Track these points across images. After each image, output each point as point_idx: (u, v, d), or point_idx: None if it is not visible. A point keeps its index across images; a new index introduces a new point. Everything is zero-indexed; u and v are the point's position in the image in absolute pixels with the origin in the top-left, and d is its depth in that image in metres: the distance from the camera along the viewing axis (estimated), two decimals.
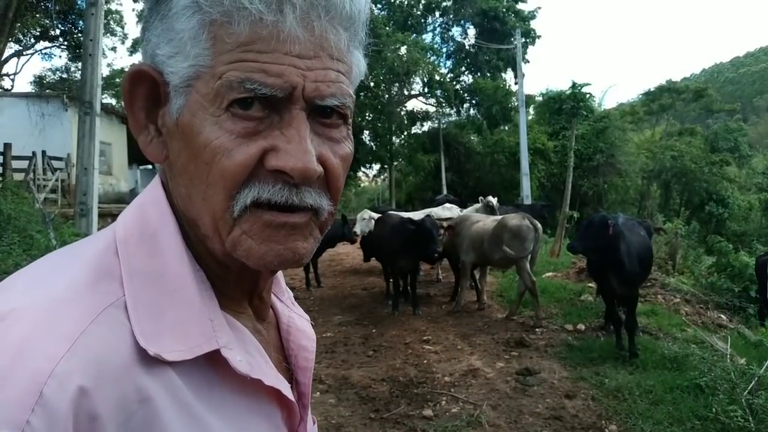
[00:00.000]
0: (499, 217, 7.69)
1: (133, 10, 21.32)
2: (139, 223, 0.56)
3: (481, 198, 9.98)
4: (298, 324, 0.72)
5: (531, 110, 28.14)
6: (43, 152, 13.72)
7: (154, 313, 0.51)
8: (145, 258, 0.54)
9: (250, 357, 0.56)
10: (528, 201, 16.83)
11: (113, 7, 24.47)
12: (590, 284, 7.92)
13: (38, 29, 21.82)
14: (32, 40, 23.45)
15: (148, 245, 0.55)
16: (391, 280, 7.98)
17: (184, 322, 0.52)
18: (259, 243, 0.53)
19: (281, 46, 0.51)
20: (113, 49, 28.00)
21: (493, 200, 9.55)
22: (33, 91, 24.27)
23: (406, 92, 24.80)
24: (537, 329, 6.52)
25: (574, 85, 16.50)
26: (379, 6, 24.56)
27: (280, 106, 0.52)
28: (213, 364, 0.53)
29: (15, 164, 12.86)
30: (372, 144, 25.39)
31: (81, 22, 19.36)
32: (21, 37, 22.09)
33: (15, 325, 0.46)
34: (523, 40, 23.16)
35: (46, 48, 24.18)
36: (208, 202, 0.53)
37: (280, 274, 0.73)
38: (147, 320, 0.50)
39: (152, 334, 0.50)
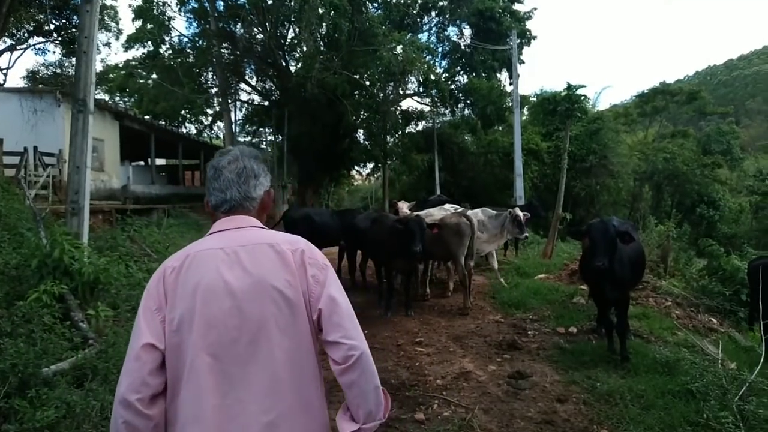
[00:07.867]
0: (441, 215, 8.40)
1: (129, 6, 21.09)
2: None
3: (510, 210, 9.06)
4: None
5: (525, 111, 28.14)
6: (35, 148, 13.58)
7: None
8: None
9: None
10: (521, 201, 16.83)
11: (108, 2, 24.30)
12: (582, 287, 7.93)
13: (32, 24, 21.64)
14: (26, 35, 23.24)
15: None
16: (384, 281, 7.98)
17: None
18: None
19: None
20: (107, 44, 27.68)
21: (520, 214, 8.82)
22: (26, 86, 24.09)
23: (401, 92, 24.66)
24: (529, 332, 6.54)
25: (569, 87, 16.58)
26: (375, 5, 24.40)
27: None
28: None
29: (6, 160, 12.76)
30: (366, 143, 25.34)
31: (76, 17, 19.22)
32: (14, 31, 21.90)
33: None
34: (519, 40, 23.11)
35: (39, 43, 24.00)
36: None
37: None
38: None
39: None
